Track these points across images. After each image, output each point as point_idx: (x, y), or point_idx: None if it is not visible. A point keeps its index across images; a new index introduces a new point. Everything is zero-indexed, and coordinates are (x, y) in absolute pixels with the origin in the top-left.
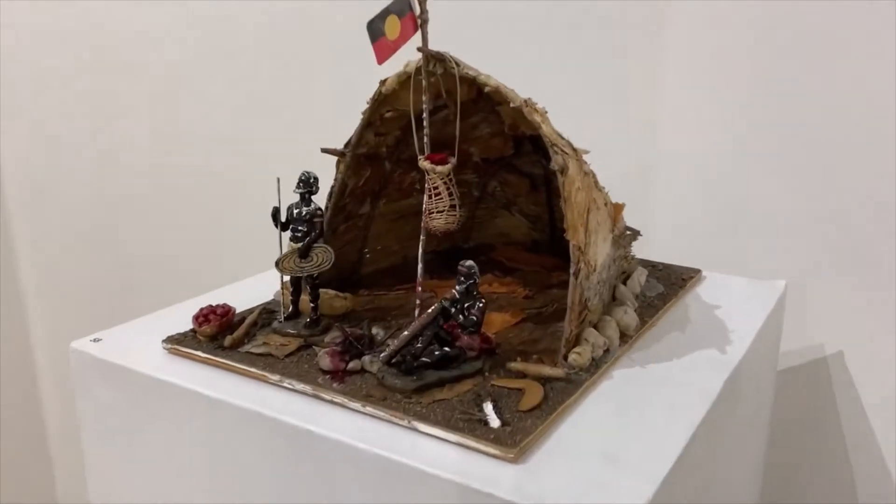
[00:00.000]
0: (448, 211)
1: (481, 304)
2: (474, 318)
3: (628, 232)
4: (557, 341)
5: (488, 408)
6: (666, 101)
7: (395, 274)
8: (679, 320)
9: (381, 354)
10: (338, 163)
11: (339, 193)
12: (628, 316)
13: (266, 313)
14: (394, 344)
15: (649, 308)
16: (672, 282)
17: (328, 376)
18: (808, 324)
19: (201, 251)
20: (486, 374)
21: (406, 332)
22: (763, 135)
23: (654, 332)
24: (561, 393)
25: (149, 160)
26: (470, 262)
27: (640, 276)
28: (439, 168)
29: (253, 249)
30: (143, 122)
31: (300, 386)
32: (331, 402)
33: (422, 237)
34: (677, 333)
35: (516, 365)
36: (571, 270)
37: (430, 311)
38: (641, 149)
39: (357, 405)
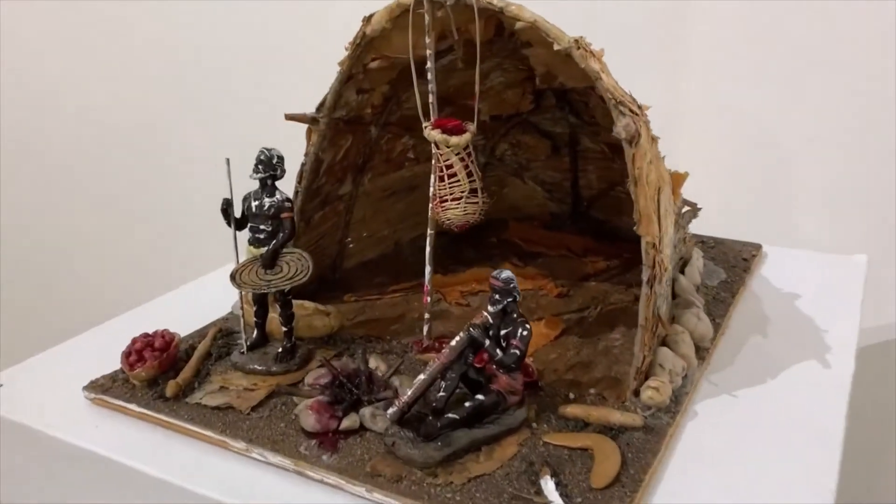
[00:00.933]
0: (467, 197)
1: (525, 332)
2: (517, 351)
3: (687, 208)
4: (616, 364)
5: (549, 486)
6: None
7: (387, 266)
8: (756, 316)
9: (390, 410)
10: (308, 132)
11: (313, 172)
12: (702, 323)
13: (222, 337)
14: (405, 393)
15: (717, 303)
16: (732, 263)
17: (314, 441)
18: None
19: (131, 251)
20: (534, 425)
21: (422, 376)
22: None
23: (732, 338)
24: (642, 451)
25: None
26: (507, 274)
27: (698, 261)
28: (454, 140)
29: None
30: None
31: (276, 458)
32: (320, 481)
33: (429, 231)
34: (759, 337)
35: (573, 409)
36: (644, 277)
37: (453, 343)
38: (665, 97)
39: (359, 488)
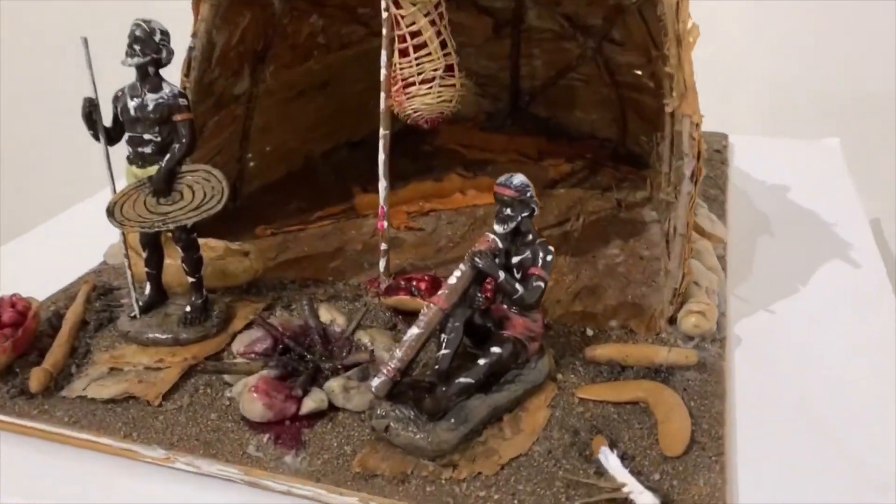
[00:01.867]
0: (442, 77)
1: (549, 257)
2: (540, 283)
3: None
4: (629, 286)
5: (611, 461)
6: None
7: (297, 188)
8: (754, 214)
9: (374, 380)
10: (195, 4)
11: (205, 60)
12: (717, 227)
13: (99, 297)
14: (393, 355)
15: (709, 202)
16: (704, 156)
17: (268, 435)
18: None
19: None
20: (559, 377)
21: (414, 330)
22: None
23: (740, 241)
24: (705, 396)
25: None
26: (521, 180)
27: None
28: None
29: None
30: None
31: (214, 467)
32: (286, 493)
33: (383, 132)
34: (767, 238)
35: (604, 350)
36: (687, 171)
37: (452, 281)
38: None
39: (349, 499)
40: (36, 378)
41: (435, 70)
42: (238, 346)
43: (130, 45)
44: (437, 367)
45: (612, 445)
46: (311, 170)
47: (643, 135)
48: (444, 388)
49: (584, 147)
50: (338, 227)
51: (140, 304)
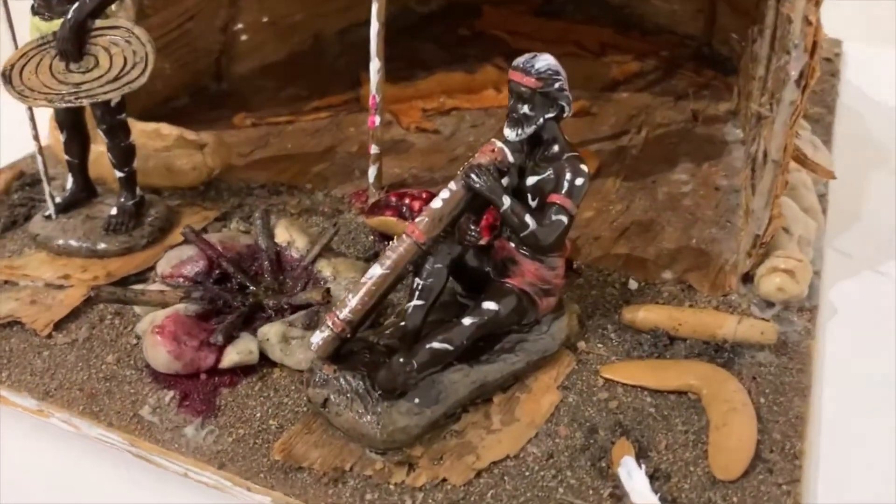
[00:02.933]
0: None
1: (580, 181)
2: (563, 217)
3: None
4: (695, 224)
5: (636, 481)
6: None
7: (302, 71)
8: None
9: (317, 335)
10: None
11: None
12: (821, 154)
13: (23, 188)
14: (346, 300)
15: (812, 123)
16: None
17: (171, 393)
18: None
19: None
20: (581, 345)
21: (378, 268)
22: None
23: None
24: (782, 392)
25: None
26: (547, 62)
27: None
28: None
29: None
30: None
31: (96, 430)
32: (183, 475)
33: (375, 4)
34: (880, 175)
35: (647, 313)
36: (793, 72)
37: (436, 203)
38: None
39: (259, 497)
40: None
41: None
42: (164, 266)
43: None
44: (402, 323)
45: (641, 455)
46: (321, 51)
47: (735, 32)
48: (409, 356)
49: (658, 43)
50: (335, 122)
51: (57, 200)
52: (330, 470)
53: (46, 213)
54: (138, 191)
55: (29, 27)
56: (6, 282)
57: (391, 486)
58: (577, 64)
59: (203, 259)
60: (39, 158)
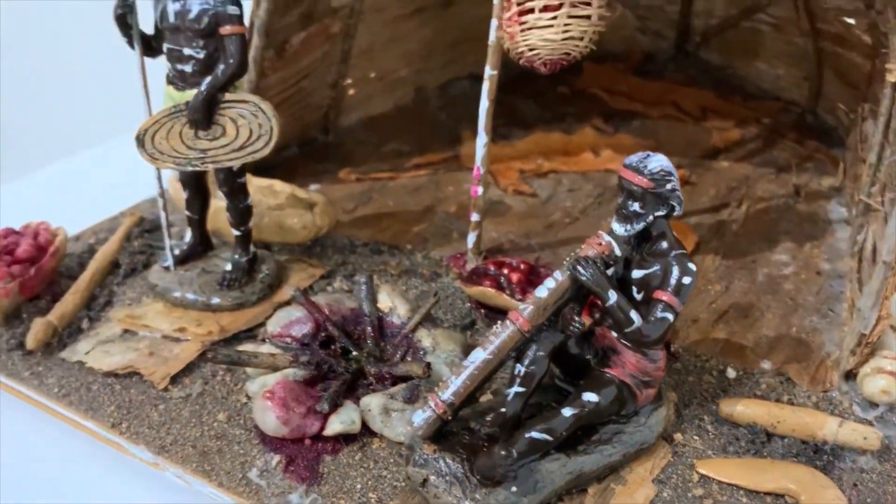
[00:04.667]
0: (574, 4)
1: (687, 280)
2: (668, 315)
3: None
4: (796, 311)
5: None
6: None
7: (404, 125)
8: None
9: (419, 414)
10: None
11: None
12: None
13: (142, 234)
14: (449, 380)
15: None
16: None
17: (277, 457)
18: None
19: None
20: (677, 437)
21: (481, 353)
22: None
23: None
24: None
25: None
26: (660, 162)
27: None
28: None
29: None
30: None
31: (207, 487)
32: None
33: (489, 72)
34: None
35: (746, 406)
36: None
37: (542, 293)
38: None
39: None
40: (35, 332)
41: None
42: (273, 325)
43: None
44: (502, 409)
45: None
46: (423, 105)
47: (842, 103)
48: (507, 444)
49: (761, 109)
50: (434, 180)
51: (176, 252)
52: None
53: (165, 264)
54: (252, 248)
55: (163, 95)
56: (126, 331)
57: None
58: (676, 128)
59: (311, 321)
60: (163, 214)
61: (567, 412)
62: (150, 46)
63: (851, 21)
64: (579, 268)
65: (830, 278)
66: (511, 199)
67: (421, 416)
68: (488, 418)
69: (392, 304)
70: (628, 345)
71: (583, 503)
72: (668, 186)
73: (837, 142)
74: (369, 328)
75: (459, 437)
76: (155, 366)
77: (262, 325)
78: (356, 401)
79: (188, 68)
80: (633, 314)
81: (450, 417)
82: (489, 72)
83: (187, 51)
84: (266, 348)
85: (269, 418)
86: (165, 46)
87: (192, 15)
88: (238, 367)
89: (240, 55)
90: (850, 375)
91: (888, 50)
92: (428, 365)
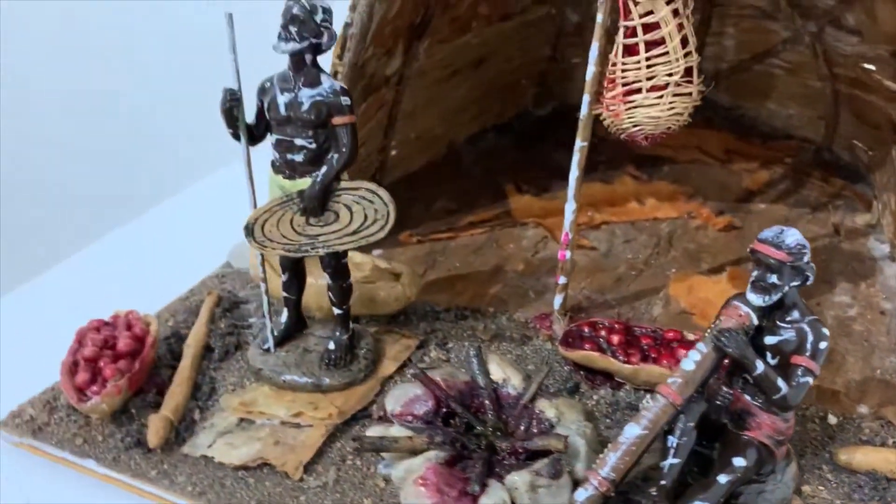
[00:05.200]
0: (679, 83)
1: (824, 345)
2: (809, 380)
3: None
4: (874, 352)
5: None
6: None
7: (442, 181)
8: None
9: (581, 493)
10: None
11: (361, 38)
12: None
13: (225, 313)
14: (605, 459)
15: None
16: None
17: None
18: None
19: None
20: (805, 489)
21: (638, 429)
22: None
23: None
24: None
25: None
26: (795, 237)
27: None
28: None
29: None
30: None
31: None
32: None
33: (580, 143)
34: None
35: (863, 456)
36: None
37: (688, 366)
38: None
39: None
40: (155, 429)
41: (670, 75)
42: (393, 404)
43: (285, 27)
44: (662, 482)
45: None
46: (455, 158)
47: (860, 141)
48: None
49: (781, 148)
50: (492, 238)
51: (275, 335)
52: None
53: (265, 347)
54: (350, 324)
55: (269, 183)
56: (243, 420)
57: None
58: (706, 172)
59: (431, 398)
60: (265, 299)
61: (723, 479)
62: (252, 136)
63: (872, 67)
64: (724, 339)
65: (894, 317)
66: (574, 254)
67: (584, 495)
68: (653, 491)
69: (505, 374)
70: (762, 406)
71: None
72: (805, 259)
73: (860, 178)
74: (487, 401)
75: None
76: (284, 455)
77: (373, 402)
78: (497, 479)
79: (299, 157)
80: (780, 381)
81: (612, 494)
82: (579, 143)
83: (299, 141)
84: (395, 430)
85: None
86: (274, 137)
87: (304, 107)
88: (366, 449)
89: (352, 144)
90: None
91: None
92: (566, 438)
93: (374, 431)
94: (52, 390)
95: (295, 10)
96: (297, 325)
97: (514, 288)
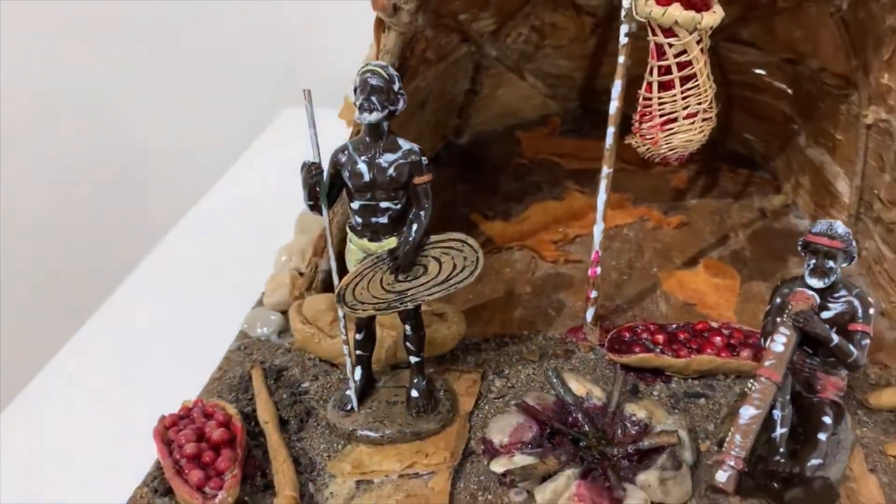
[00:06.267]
0: (706, 110)
1: (873, 311)
2: (867, 339)
3: None
4: None
5: None
6: None
7: None
8: None
9: (721, 473)
10: (377, 31)
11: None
12: None
13: (274, 381)
14: (732, 441)
15: None
16: None
17: None
18: None
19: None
20: (857, 433)
21: (751, 410)
22: None
23: None
24: None
25: None
26: (842, 227)
27: None
28: (707, 18)
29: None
30: None
31: None
32: None
33: (606, 170)
34: None
35: (890, 395)
36: None
37: (776, 347)
38: None
39: None
40: None
41: (700, 103)
42: (499, 436)
43: (367, 98)
44: (780, 449)
45: None
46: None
47: (751, 134)
48: (805, 476)
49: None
50: (487, 266)
51: (356, 398)
52: None
53: (348, 408)
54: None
55: (353, 248)
56: (359, 482)
57: None
58: (633, 178)
59: (535, 423)
60: (348, 361)
61: (822, 437)
62: (332, 199)
63: (762, 71)
64: (803, 320)
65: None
66: (565, 269)
67: (724, 475)
68: (779, 458)
69: (585, 388)
70: (822, 369)
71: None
72: (853, 244)
73: (758, 166)
74: (579, 415)
75: (747, 484)
76: None
77: (471, 439)
78: (629, 481)
79: (384, 219)
80: (850, 347)
81: (746, 469)
82: (606, 171)
83: (384, 204)
84: (519, 459)
85: None
86: (357, 203)
87: (390, 171)
88: (486, 479)
89: (432, 199)
90: None
91: (859, 98)
92: (676, 432)
93: (499, 465)
94: (140, 498)
95: (374, 82)
96: (370, 382)
97: (533, 309)
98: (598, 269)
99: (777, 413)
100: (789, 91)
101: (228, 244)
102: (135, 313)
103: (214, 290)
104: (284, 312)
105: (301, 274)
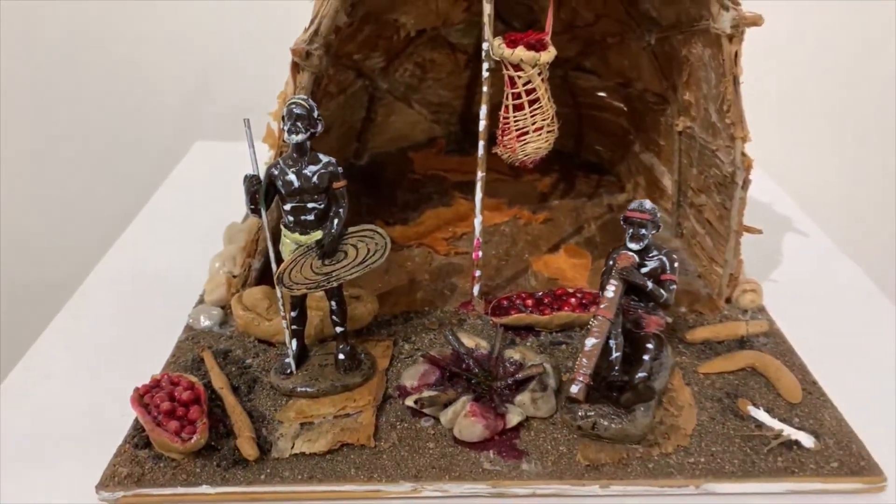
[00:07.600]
0: (549, 125)
1: (677, 264)
2: (674, 285)
3: None
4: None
5: (762, 415)
6: None
7: None
8: None
9: (574, 387)
10: (294, 72)
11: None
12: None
13: (228, 364)
14: (580, 364)
15: None
16: None
17: (490, 451)
18: None
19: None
20: (675, 359)
21: (593, 340)
22: None
23: None
24: (785, 353)
25: None
26: (650, 203)
27: None
28: (544, 56)
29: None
30: None
31: (463, 487)
32: (531, 495)
33: (480, 174)
34: None
35: (702, 332)
36: (739, 181)
37: (608, 295)
38: None
39: (590, 486)
40: (248, 446)
41: (544, 119)
42: (410, 381)
43: (294, 123)
44: (616, 367)
45: (753, 404)
46: None
47: (599, 146)
48: (633, 384)
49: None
50: (391, 261)
51: (294, 361)
52: (618, 460)
53: (288, 371)
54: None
55: (287, 241)
56: (304, 424)
57: (655, 458)
58: (506, 186)
59: (437, 370)
60: (287, 333)
61: (646, 357)
62: (266, 207)
63: (604, 94)
64: (624, 272)
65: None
66: (457, 260)
67: (576, 388)
68: (616, 374)
69: (474, 342)
70: (645, 310)
71: (665, 408)
72: (658, 216)
73: (606, 172)
74: (471, 362)
75: (599, 394)
76: (354, 434)
77: (387, 387)
78: (510, 401)
79: (310, 217)
80: (662, 291)
81: (592, 383)
82: (480, 175)
83: (311, 205)
84: (426, 393)
85: (477, 428)
86: (289, 205)
87: (314, 179)
88: (403, 412)
89: (347, 199)
90: (728, 299)
91: (675, 112)
92: (542, 364)
93: (410, 400)
94: (123, 452)
95: (298, 111)
96: (304, 352)
97: (431, 292)
98: (481, 253)
99: (612, 342)
100: (625, 108)
101: (165, 257)
102: (90, 316)
103: (159, 293)
104: (224, 307)
105: (234, 276)
